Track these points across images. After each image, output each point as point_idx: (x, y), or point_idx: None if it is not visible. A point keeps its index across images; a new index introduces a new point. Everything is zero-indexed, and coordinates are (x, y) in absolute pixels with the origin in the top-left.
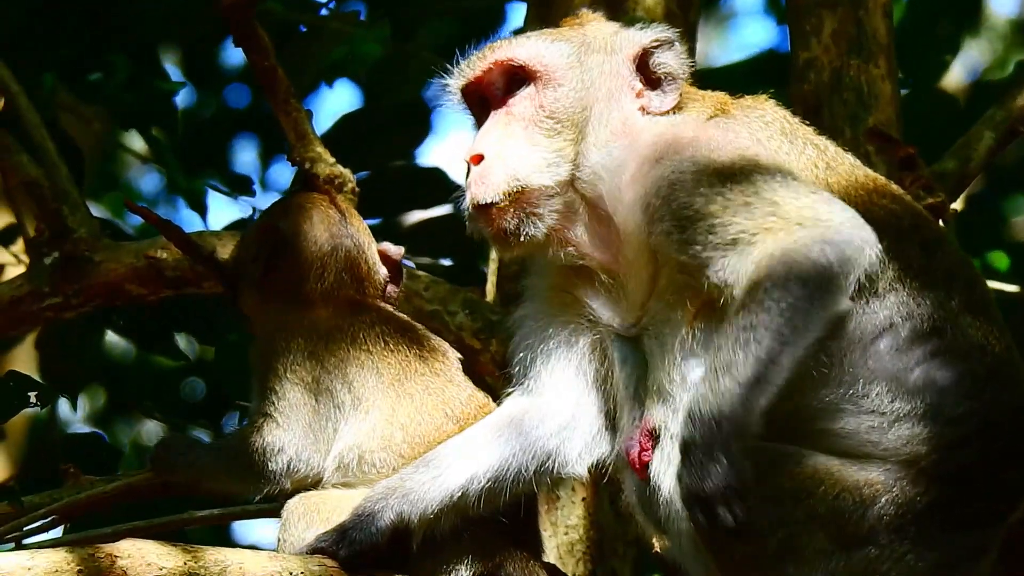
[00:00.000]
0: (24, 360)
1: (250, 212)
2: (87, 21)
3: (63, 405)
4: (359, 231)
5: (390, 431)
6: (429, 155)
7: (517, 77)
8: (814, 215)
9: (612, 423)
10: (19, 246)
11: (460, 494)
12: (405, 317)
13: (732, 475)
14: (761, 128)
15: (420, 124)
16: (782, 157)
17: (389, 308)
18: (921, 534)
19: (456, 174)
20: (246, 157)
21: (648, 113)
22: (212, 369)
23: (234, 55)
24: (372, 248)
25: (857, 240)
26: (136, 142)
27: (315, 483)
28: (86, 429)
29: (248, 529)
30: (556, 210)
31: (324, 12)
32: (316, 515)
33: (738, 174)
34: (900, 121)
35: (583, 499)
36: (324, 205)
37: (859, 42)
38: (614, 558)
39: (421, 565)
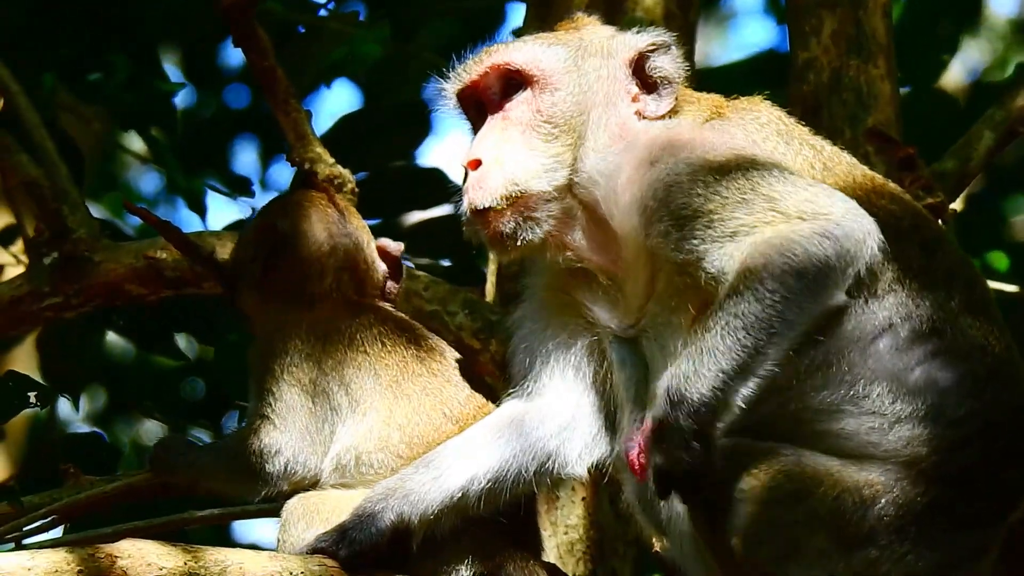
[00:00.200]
0: (24, 360)
1: (249, 212)
2: (87, 21)
3: (63, 405)
4: (358, 229)
5: (387, 432)
6: (429, 156)
7: (514, 81)
8: (814, 208)
9: (611, 424)
10: (19, 246)
11: (460, 494)
12: (404, 317)
13: (703, 458)
14: (757, 130)
15: (420, 125)
16: (778, 157)
17: (388, 307)
18: (922, 534)
19: (456, 175)
20: (245, 157)
21: (644, 117)
22: (212, 369)
23: (234, 55)
24: (371, 246)
25: (858, 233)
26: (135, 142)
27: (312, 485)
28: (86, 429)
29: (248, 529)
30: (553, 215)
31: (323, 12)
32: (316, 515)
33: (735, 172)
34: (899, 121)
35: (583, 499)
36: (323, 204)
37: (858, 42)
38: (614, 558)
39: (421, 565)
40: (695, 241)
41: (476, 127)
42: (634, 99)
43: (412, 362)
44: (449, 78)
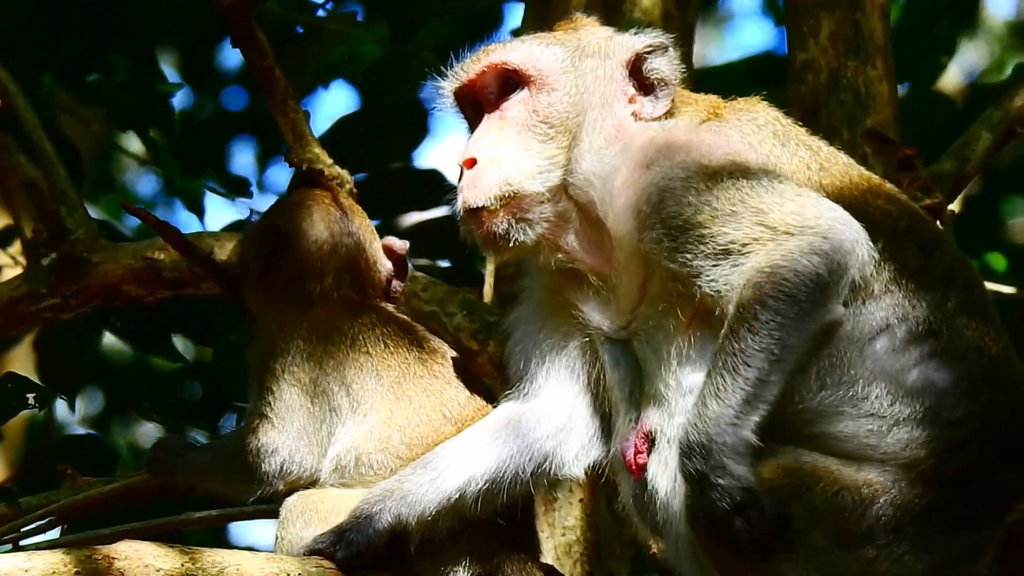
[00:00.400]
0: (22, 361)
1: (247, 213)
2: (87, 21)
3: (61, 406)
4: (360, 228)
5: (388, 433)
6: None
7: (511, 81)
8: (801, 221)
9: (608, 425)
10: (17, 247)
11: (458, 496)
12: (405, 318)
13: (736, 491)
14: (753, 131)
15: (418, 126)
16: (774, 160)
17: (390, 308)
18: (919, 535)
19: (454, 176)
20: (243, 159)
21: (640, 119)
22: (210, 370)
23: (231, 57)
24: (374, 246)
25: (847, 243)
26: (134, 143)
27: (309, 484)
28: (84, 430)
29: (245, 531)
30: (547, 217)
31: (321, 13)
32: (314, 514)
33: (726, 180)
34: (898, 122)
35: (580, 500)
36: (326, 203)
37: (856, 43)
38: (611, 559)
39: (419, 566)
40: (688, 255)
41: (473, 126)
42: (631, 100)
43: (414, 364)
44: (447, 77)
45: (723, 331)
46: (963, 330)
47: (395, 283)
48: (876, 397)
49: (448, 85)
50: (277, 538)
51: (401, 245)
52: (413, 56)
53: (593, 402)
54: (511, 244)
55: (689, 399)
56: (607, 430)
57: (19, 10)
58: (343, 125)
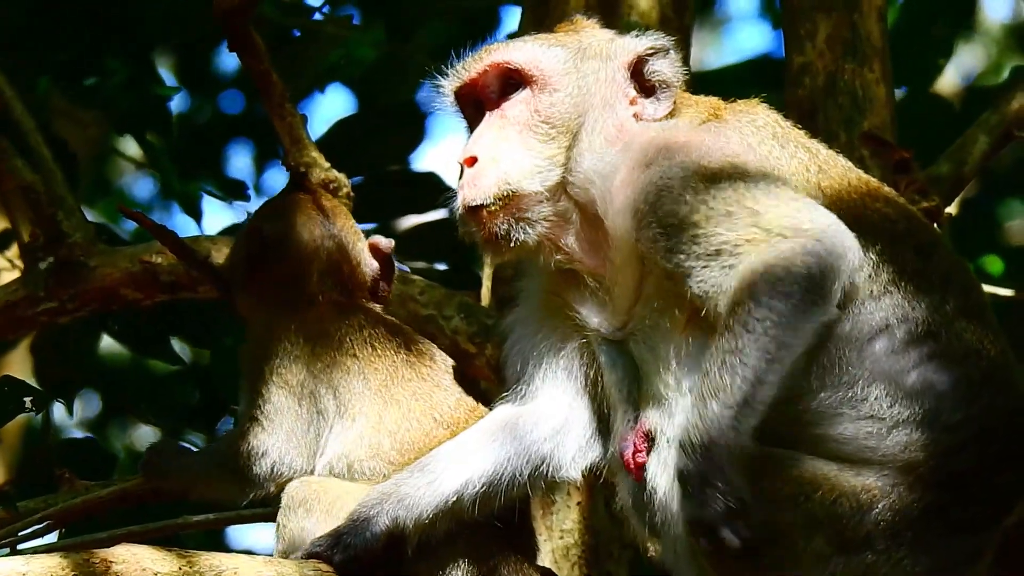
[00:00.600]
0: (19, 365)
1: (245, 217)
2: (87, 21)
3: (58, 410)
4: (343, 230)
5: (378, 439)
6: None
7: (512, 81)
8: (795, 224)
9: (605, 426)
10: (14, 251)
11: (455, 499)
12: (393, 319)
13: (731, 497)
14: (753, 133)
15: (415, 129)
16: (773, 161)
17: (378, 309)
18: (918, 539)
19: (451, 178)
20: (240, 162)
21: (642, 120)
22: (208, 373)
23: (228, 60)
24: (358, 247)
25: (838, 247)
26: (131, 147)
27: None
28: (81, 434)
29: (243, 534)
30: (547, 217)
31: (318, 16)
32: (316, 503)
33: (724, 181)
34: (895, 125)
35: (578, 503)
36: (307, 206)
37: (854, 46)
38: (609, 561)
39: (416, 569)
40: (681, 256)
41: (473, 125)
42: (632, 102)
43: (401, 366)
44: (447, 76)
45: (719, 329)
46: (962, 333)
47: (382, 284)
48: (875, 399)
49: (449, 84)
50: (279, 525)
51: (387, 244)
52: (410, 59)
53: (590, 404)
54: (512, 244)
55: (688, 399)
56: (604, 432)
57: (20, 9)
58: (340, 128)
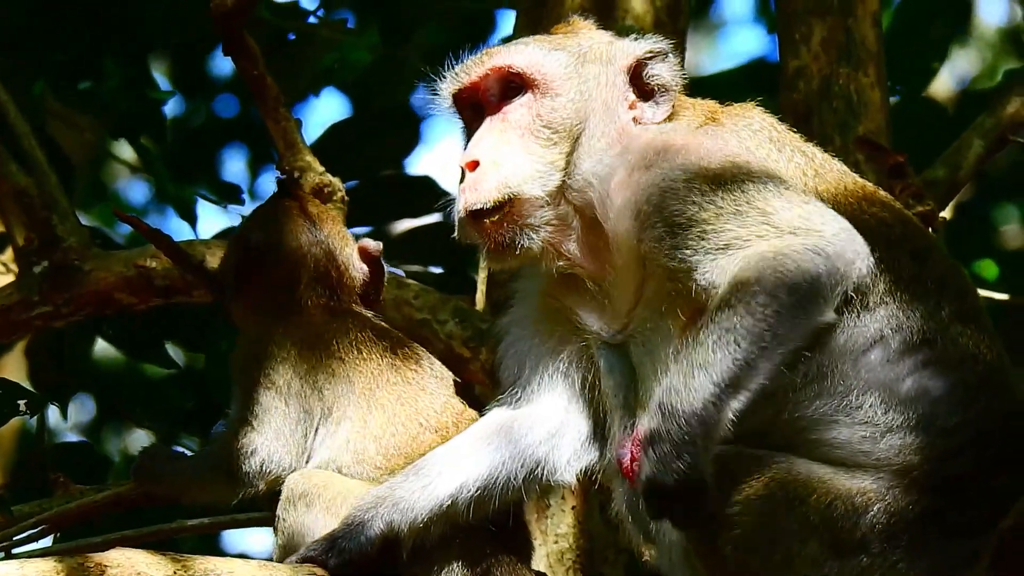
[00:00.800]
0: (14, 368)
1: (239, 221)
2: (87, 21)
3: (53, 414)
4: (330, 236)
5: (363, 444)
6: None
7: (513, 84)
8: (807, 224)
9: (600, 430)
10: (8, 255)
11: (450, 503)
12: (382, 323)
13: (692, 474)
14: (749, 136)
15: (409, 132)
16: (771, 164)
17: (366, 314)
18: (913, 542)
19: (446, 183)
20: (235, 166)
21: (641, 123)
22: (202, 377)
23: (223, 64)
24: (346, 251)
25: (849, 253)
26: (125, 151)
27: None
28: (76, 438)
29: (238, 538)
30: (549, 221)
31: (313, 20)
32: (317, 499)
33: (729, 181)
34: (889, 129)
35: (573, 508)
36: (294, 213)
37: (848, 50)
38: (604, 566)
39: (411, 573)
40: (688, 251)
41: (470, 128)
42: (631, 106)
43: (387, 370)
44: (446, 79)
45: (715, 304)
46: (957, 338)
47: (373, 287)
48: (870, 406)
49: (449, 86)
50: (278, 519)
51: (375, 247)
52: (405, 62)
53: (586, 408)
54: (517, 252)
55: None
56: (600, 436)
57: (18, 11)
58: (335, 132)
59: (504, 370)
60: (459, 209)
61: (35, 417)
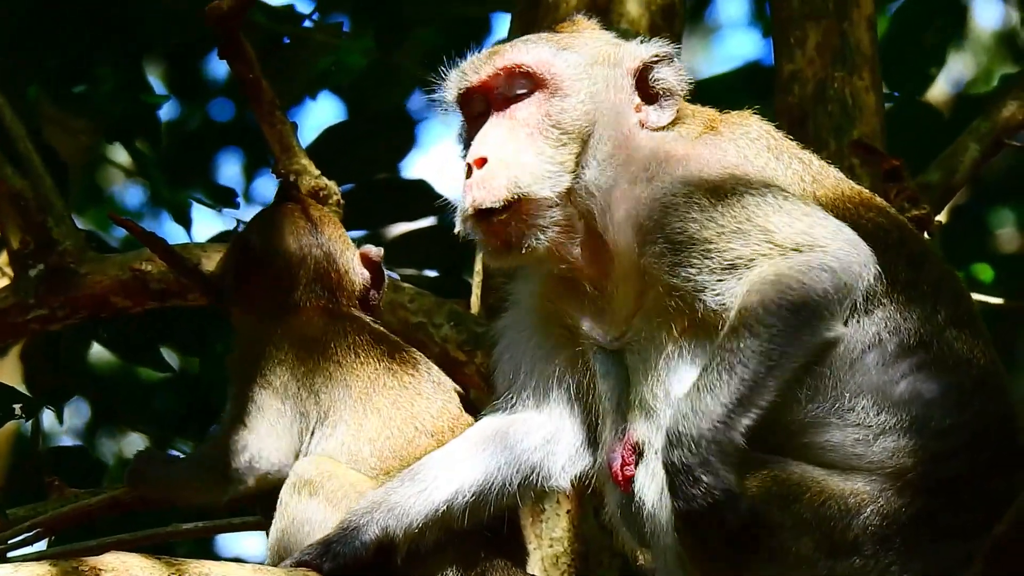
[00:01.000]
0: (9, 372)
1: (234, 225)
2: (87, 21)
3: (48, 417)
4: (331, 239)
5: (358, 447)
6: (414, 167)
7: (522, 83)
8: (810, 240)
9: (595, 436)
10: (4, 258)
11: (445, 508)
12: (380, 327)
13: (717, 491)
14: (748, 145)
15: (405, 136)
16: (769, 173)
17: (365, 318)
18: (907, 544)
19: (441, 186)
20: (230, 170)
21: (646, 127)
22: (198, 381)
23: (218, 68)
24: (346, 256)
25: (856, 265)
26: (121, 155)
27: (280, 482)
28: (71, 442)
29: (233, 542)
30: (557, 222)
31: (308, 23)
32: (321, 488)
33: (730, 197)
34: (885, 133)
35: (567, 512)
36: (295, 215)
37: (843, 54)
38: (599, 570)
39: (405, 574)
40: (692, 270)
41: (472, 126)
42: (636, 109)
43: (383, 374)
44: (452, 77)
45: (723, 331)
46: (952, 342)
47: (372, 292)
48: (863, 408)
49: (455, 84)
50: (281, 502)
51: (376, 252)
52: (400, 66)
53: (581, 413)
54: (523, 251)
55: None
56: (594, 441)
57: (14, 14)
58: (330, 135)
59: (499, 374)
60: (465, 206)
61: (30, 421)
